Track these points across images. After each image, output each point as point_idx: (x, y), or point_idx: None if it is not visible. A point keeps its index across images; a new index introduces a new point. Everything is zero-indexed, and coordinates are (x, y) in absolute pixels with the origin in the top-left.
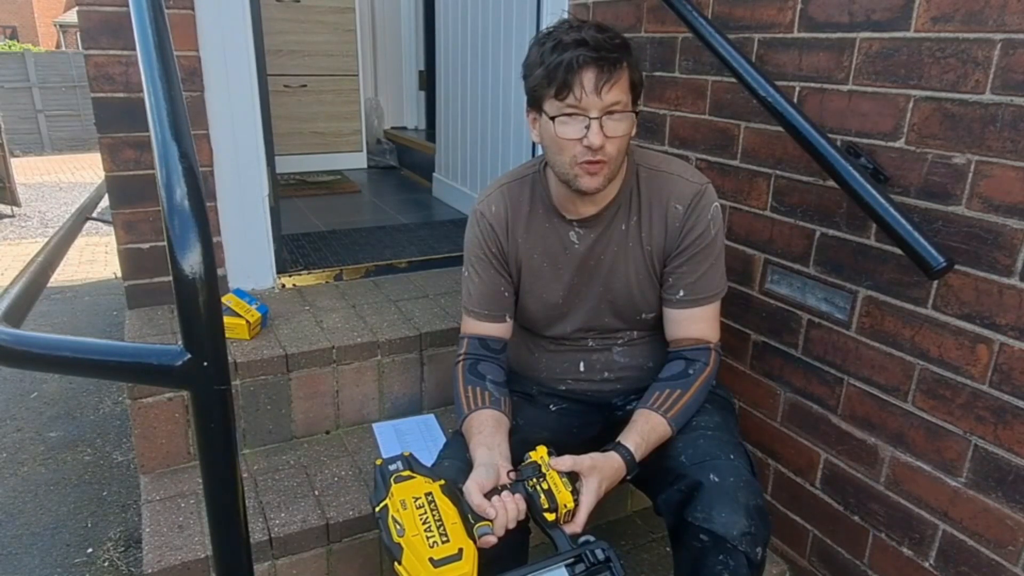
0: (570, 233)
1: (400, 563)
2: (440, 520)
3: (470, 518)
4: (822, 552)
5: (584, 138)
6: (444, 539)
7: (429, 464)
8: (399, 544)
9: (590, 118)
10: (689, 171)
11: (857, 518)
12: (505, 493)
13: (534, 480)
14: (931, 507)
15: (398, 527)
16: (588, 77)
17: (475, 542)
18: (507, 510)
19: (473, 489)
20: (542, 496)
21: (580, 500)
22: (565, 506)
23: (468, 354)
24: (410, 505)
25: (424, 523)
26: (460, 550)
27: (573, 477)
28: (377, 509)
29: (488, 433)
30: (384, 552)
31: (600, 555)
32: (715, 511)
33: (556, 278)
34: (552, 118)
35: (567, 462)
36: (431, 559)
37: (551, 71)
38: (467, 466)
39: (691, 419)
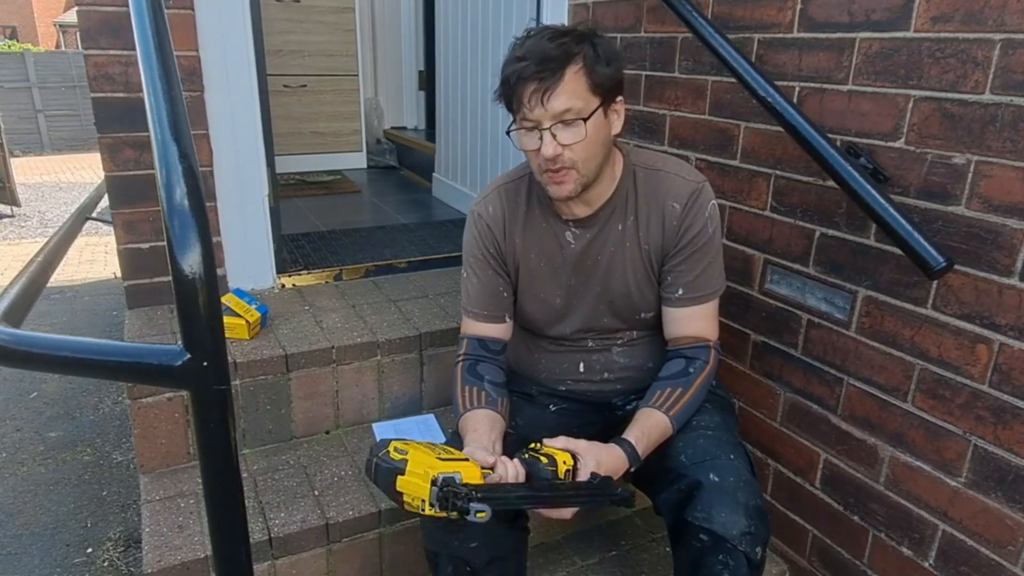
0: (566, 233)
1: (404, 474)
2: (445, 451)
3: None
4: (822, 552)
5: (540, 148)
6: (450, 455)
7: None
8: (403, 460)
9: (541, 129)
10: (685, 169)
11: (857, 518)
12: (504, 457)
13: (532, 450)
14: (931, 507)
15: (400, 453)
16: (527, 91)
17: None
18: (507, 468)
19: (475, 452)
20: (542, 459)
21: (579, 465)
22: (565, 463)
23: (467, 355)
24: (412, 444)
25: (429, 450)
26: (467, 458)
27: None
28: (375, 457)
29: (483, 432)
30: (381, 484)
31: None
32: (715, 511)
33: (554, 279)
34: (513, 131)
35: (560, 441)
36: (438, 458)
37: (502, 86)
38: None
39: (691, 419)
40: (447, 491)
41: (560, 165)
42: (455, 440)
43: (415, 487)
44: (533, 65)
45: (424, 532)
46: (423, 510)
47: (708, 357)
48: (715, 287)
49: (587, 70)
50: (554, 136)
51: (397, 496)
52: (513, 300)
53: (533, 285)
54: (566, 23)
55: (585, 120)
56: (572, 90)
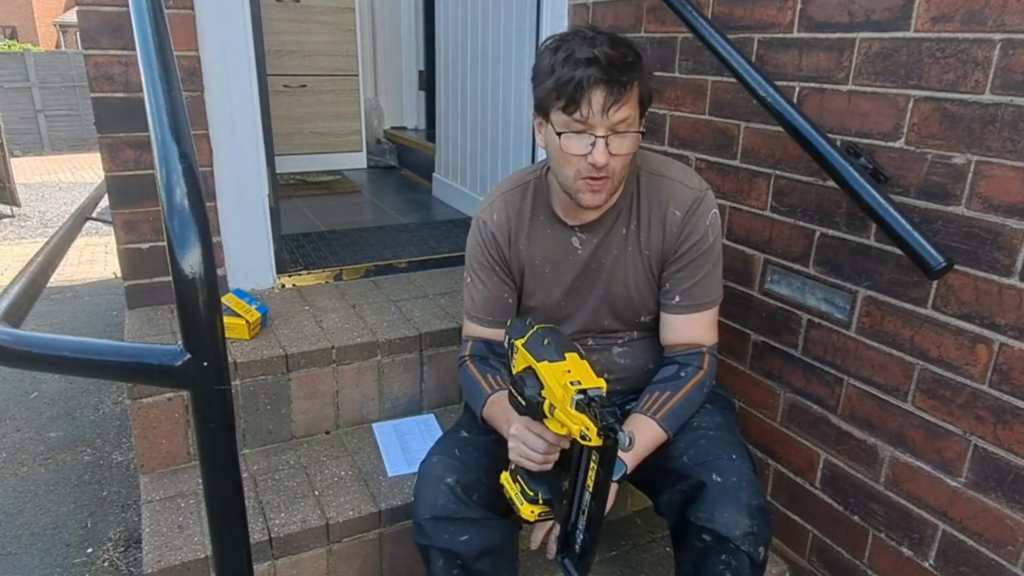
0: (572, 239)
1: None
2: None
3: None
4: (822, 552)
5: (589, 155)
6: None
7: (419, 461)
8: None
9: (596, 136)
10: (689, 176)
11: (857, 518)
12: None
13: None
14: (931, 507)
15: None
16: (597, 98)
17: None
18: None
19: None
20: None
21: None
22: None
23: (474, 354)
24: None
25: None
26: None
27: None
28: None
29: None
30: (543, 345)
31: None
32: (718, 511)
33: (557, 283)
34: (559, 132)
35: None
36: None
37: (561, 84)
38: (455, 461)
39: (692, 420)
40: (603, 399)
41: (603, 174)
42: (448, 437)
43: (585, 373)
44: (605, 72)
45: (415, 527)
46: (572, 386)
47: (701, 363)
48: (713, 296)
49: (640, 83)
50: (607, 144)
51: (545, 353)
52: (517, 306)
53: (538, 289)
54: (566, 23)
55: (642, 133)
56: (632, 103)
